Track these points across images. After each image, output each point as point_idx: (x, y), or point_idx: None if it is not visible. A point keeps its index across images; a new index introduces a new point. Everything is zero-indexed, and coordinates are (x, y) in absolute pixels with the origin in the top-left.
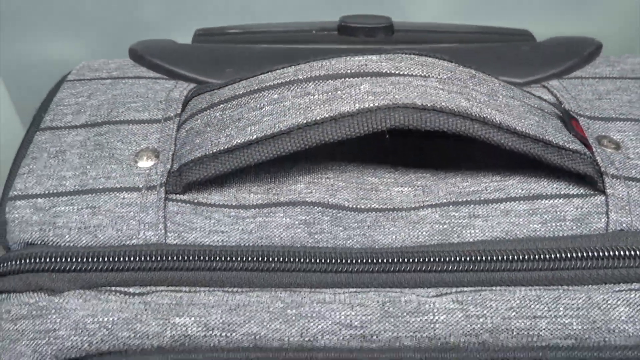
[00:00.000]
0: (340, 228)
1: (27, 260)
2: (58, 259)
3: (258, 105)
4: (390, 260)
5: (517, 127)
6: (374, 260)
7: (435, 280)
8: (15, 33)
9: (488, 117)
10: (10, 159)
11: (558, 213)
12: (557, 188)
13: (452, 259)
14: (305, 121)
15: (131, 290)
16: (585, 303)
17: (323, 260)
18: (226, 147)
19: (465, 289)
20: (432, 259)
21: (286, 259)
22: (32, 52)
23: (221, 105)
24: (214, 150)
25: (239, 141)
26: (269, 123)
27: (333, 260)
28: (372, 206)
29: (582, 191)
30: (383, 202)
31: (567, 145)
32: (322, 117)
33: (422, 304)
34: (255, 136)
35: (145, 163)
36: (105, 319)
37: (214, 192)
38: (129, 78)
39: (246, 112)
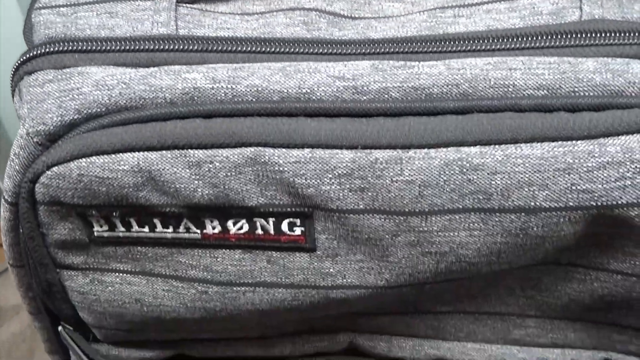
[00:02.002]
0: (336, 29)
1: (53, 45)
2: (80, 42)
3: None
4: (382, 44)
5: None
6: (367, 45)
7: (423, 59)
8: None
9: None
10: None
11: (535, 9)
12: None
13: (439, 42)
14: None
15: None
16: (557, 60)
17: (320, 45)
18: None
19: None
20: (420, 43)
21: (286, 44)
22: None
23: None
24: None
25: None
26: None
27: (329, 46)
28: (366, 15)
29: None
30: (375, 12)
31: None
32: None
33: (408, 62)
34: None
35: None
36: (123, 77)
37: (220, 3)
38: None
39: None
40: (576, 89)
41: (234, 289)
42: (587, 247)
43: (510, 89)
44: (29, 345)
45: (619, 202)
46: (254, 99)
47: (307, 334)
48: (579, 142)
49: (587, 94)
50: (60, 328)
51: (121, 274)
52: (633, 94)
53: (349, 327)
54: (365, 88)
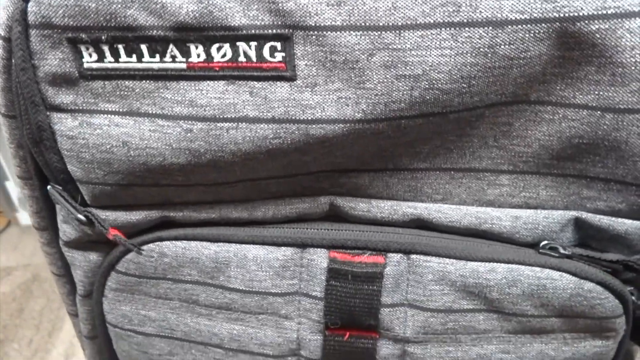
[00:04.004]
0: None
1: None
2: None
3: None
4: None
5: None
6: None
7: None
8: None
9: None
10: None
11: None
12: None
13: None
14: None
15: None
16: None
17: None
18: None
19: None
20: None
21: None
22: None
23: None
24: None
25: None
26: None
27: None
28: None
29: None
30: None
31: None
32: None
33: None
34: None
35: None
36: None
37: None
38: None
39: None
40: None
41: (218, 125)
42: (554, 78)
43: None
44: (19, 303)
45: (580, 14)
46: None
47: (290, 197)
48: None
49: None
50: (49, 187)
51: (109, 115)
52: None
53: (330, 189)
54: None
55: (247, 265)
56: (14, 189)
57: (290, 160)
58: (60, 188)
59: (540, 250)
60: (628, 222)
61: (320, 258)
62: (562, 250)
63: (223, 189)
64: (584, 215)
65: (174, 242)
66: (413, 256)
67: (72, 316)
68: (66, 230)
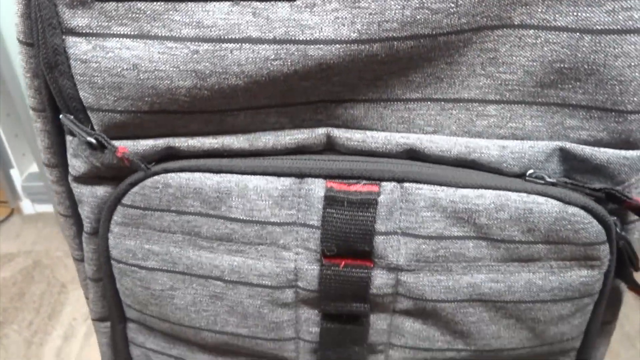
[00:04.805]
0: None
1: None
2: None
3: None
4: None
5: None
6: None
7: None
8: None
9: None
10: None
11: None
12: None
13: None
14: None
15: None
16: None
17: None
18: None
19: None
20: None
21: None
22: None
23: None
24: None
25: None
26: None
27: None
28: None
29: None
30: None
31: None
32: None
33: None
34: None
35: None
36: None
37: None
38: None
39: None
40: None
41: (222, 45)
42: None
43: None
44: (19, 288)
45: None
46: None
47: (289, 128)
48: None
49: None
50: (61, 116)
51: (121, 39)
52: None
53: (327, 121)
54: None
55: (248, 195)
56: (19, 177)
57: (290, 86)
58: (72, 117)
59: (527, 178)
60: (610, 151)
61: (317, 188)
62: (547, 178)
63: (226, 117)
64: (568, 145)
65: (178, 173)
66: (406, 184)
67: (77, 262)
68: (75, 165)
